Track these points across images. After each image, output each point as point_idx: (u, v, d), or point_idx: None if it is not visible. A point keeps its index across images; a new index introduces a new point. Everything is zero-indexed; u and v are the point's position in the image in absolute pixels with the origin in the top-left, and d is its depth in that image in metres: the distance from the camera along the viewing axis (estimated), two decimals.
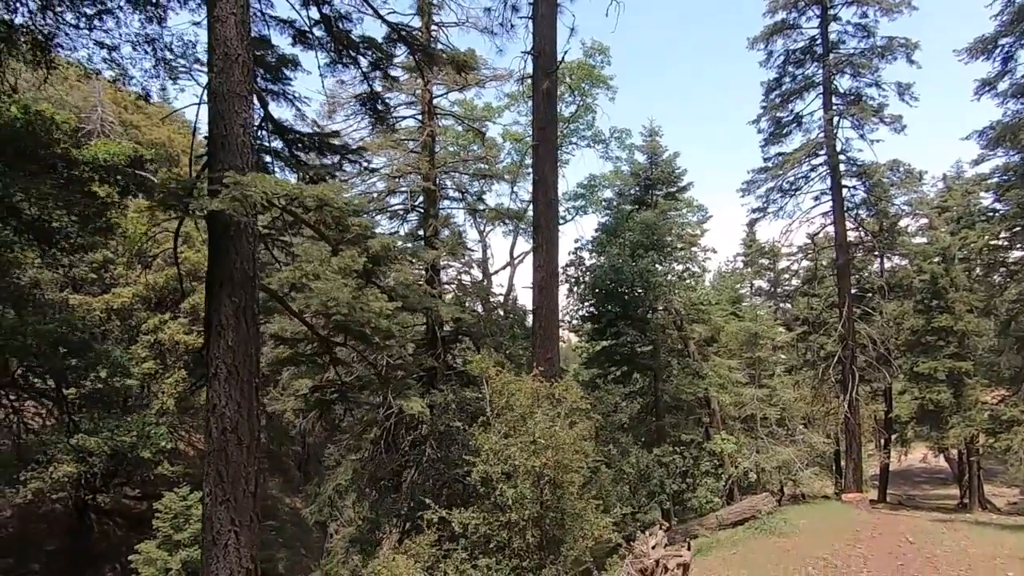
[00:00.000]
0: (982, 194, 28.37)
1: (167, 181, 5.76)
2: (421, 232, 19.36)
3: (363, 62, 10.90)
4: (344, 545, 13.95)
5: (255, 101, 8.95)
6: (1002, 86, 18.36)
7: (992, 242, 24.63)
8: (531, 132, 13.41)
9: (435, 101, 19.98)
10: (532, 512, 6.77)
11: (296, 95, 9.21)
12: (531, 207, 13.49)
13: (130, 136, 29.45)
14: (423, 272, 18.76)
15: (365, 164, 10.01)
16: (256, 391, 6.21)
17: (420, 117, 19.63)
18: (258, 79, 9.42)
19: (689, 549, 9.53)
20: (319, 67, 9.87)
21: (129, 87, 9.04)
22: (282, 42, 13.40)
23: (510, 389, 7.51)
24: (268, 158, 9.41)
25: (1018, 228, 19.26)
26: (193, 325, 23.36)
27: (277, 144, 9.54)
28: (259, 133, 9.04)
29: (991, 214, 24.11)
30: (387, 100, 11.69)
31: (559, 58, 12.26)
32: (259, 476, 6.04)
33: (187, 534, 18.86)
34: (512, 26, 15.16)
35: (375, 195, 19.96)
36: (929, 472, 38.57)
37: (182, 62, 8.61)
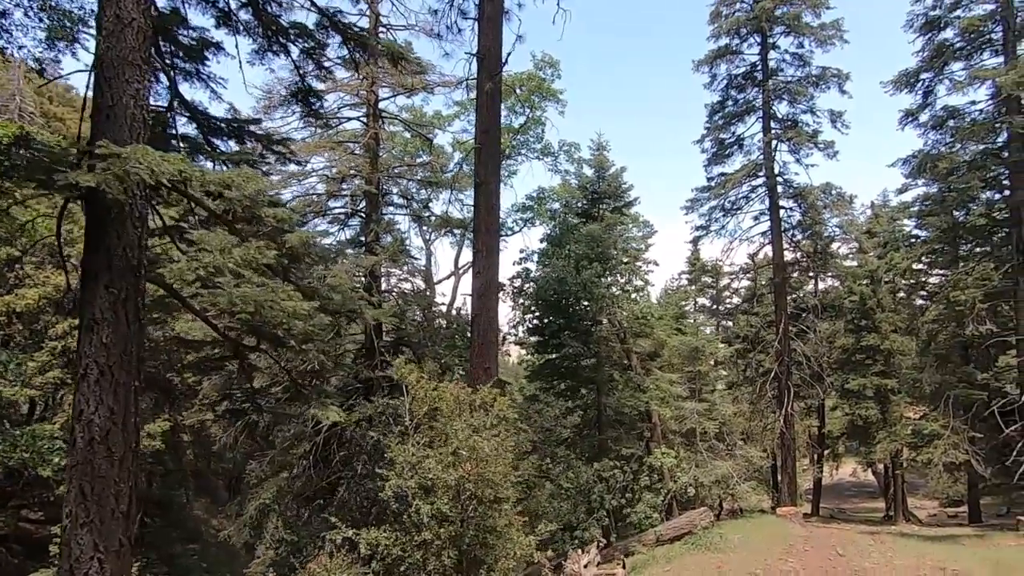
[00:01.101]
0: (905, 221, 30.17)
1: (37, 157, 5.00)
2: (363, 239, 18.65)
3: (294, 51, 10.25)
4: (262, 569, 12.88)
5: (163, 79, 8.25)
6: (923, 117, 19.52)
7: (915, 266, 26.13)
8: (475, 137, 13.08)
9: (382, 105, 19.44)
10: (450, 531, 6.25)
11: (213, 75, 8.50)
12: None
13: (52, 128, 27.34)
14: (362, 278, 18.04)
15: (290, 156, 9.33)
16: (135, 396, 5.45)
17: (365, 120, 19.03)
18: (175, 60, 8.70)
19: (624, 567, 9.20)
20: (238, 56, 9.20)
21: (18, 56, 8.09)
22: (206, 23, 12.57)
23: (433, 397, 7.01)
24: (181, 145, 8.65)
25: (936, 252, 20.38)
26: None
27: (190, 130, 8.81)
28: (169, 118, 8.30)
29: (913, 240, 25.55)
30: (321, 93, 11.05)
31: (504, 60, 12.02)
32: (134, 494, 5.27)
33: None
34: (459, 29, 14.90)
35: (314, 198, 19.13)
36: (858, 486, 40.16)
37: (84, 31, 7.76)
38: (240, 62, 8.69)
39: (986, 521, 25.16)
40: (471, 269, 12.08)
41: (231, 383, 11.37)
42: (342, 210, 19.74)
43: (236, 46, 9.17)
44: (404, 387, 7.36)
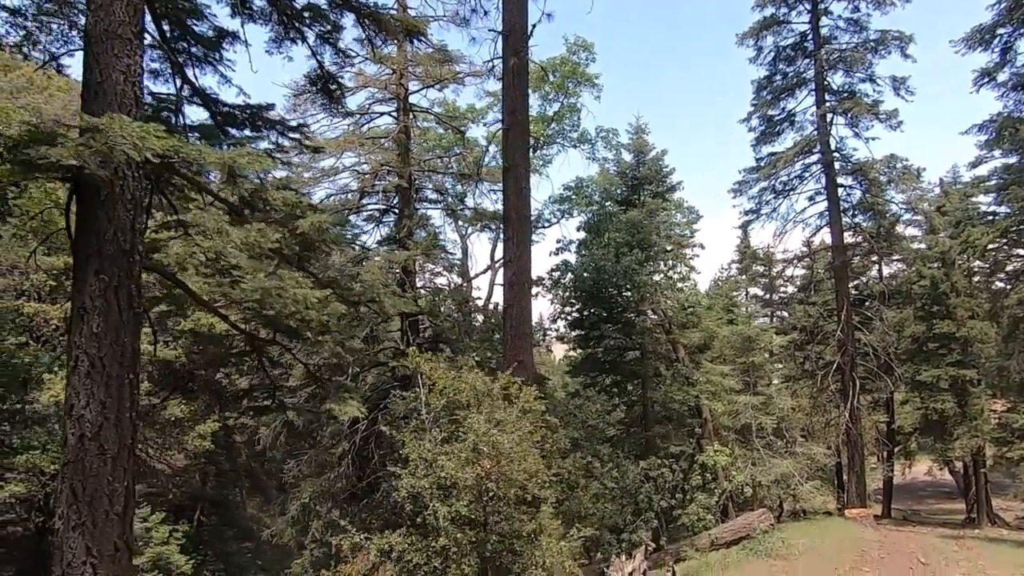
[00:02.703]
0: (981, 197, 27.59)
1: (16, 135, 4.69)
2: (397, 235, 18.36)
3: (310, 36, 9.92)
4: (300, 571, 12.67)
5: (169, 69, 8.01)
6: (1002, 77, 17.58)
7: (992, 245, 23.77)
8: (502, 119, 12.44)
9: (412, 99, 19.12)
10: (470, 536, 5.63)
11: (223, 59, 8.19)
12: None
13: None
14: (396, 274, 17.75)
15: (308, 143, 8.94)
16: (131, 389, 5.09)
17: (395, 115, 18.74)
18: (188, 46, 8.46)
19: (673, 574, 8.35)
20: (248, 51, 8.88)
21: (35, 55, 8.01)
22: (221, 12, 12.36)
23: (451, 388, 6.42)
24: (191, 135, 8.41)
25: (1021, 226, 18.31)
26: (158, 336, 22.18)
27: (202, 119, 8.55)
28: (178, 105, 8.05)
29: (991, 217, 23.23)
30: (342, 81, 10.68)
31: (528, 33, 11.34)
32: (132, 494, 4.90)
33: (146, 558, 17.57)
34: (485, 12, 14.36)
35: (348, 196, 19.01)
36: (934, 486, 37.24)
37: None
38: (248, 51, 8.38)
39: None
40: (502, 258, 11.46)
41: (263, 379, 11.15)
42: (376, 207, 19.54)
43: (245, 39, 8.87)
44: (420, 378, 6.81)
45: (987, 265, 29.44)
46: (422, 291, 18.60)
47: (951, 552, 12.63)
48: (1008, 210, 20.52)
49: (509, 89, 11.59)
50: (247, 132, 8.81)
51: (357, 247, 19.23)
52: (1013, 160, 19.39)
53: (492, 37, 12.16)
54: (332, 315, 6.87)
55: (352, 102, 19.46)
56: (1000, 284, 27.63)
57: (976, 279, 27.20)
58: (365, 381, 15.72)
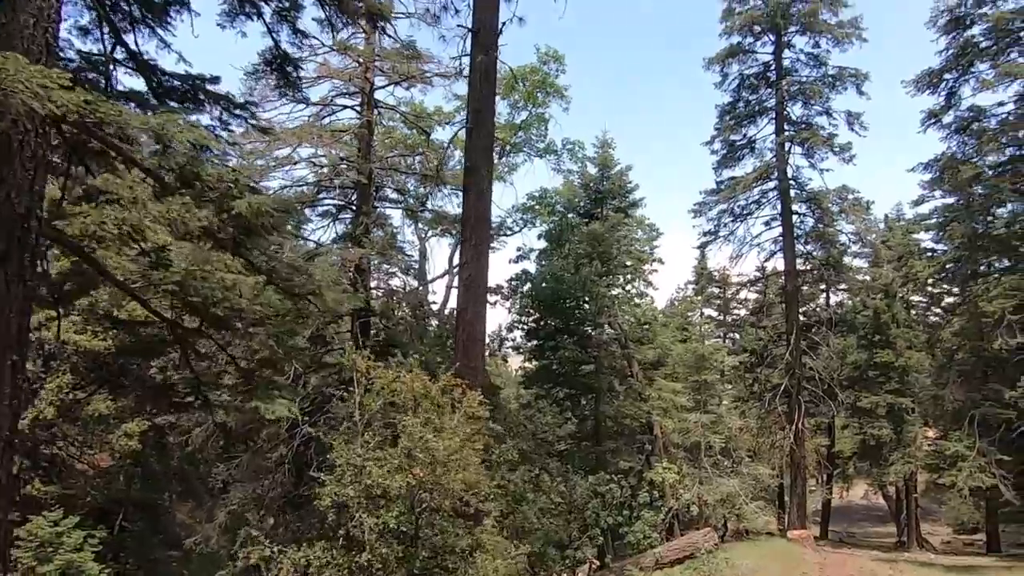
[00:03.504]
0: (922, 235, 29.07)
1: None
2: (354, 232, 17.70)
3: (266, 11, 9.38)
4: None
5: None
6: (947, 119, 18.49)
7: (929, 281, 24.99)
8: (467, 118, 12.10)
9: (379, 96, 18.62)
10: (397, 551, 5.17)
11: (169, 25, 7.56)
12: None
13: None
14: (349, 273, 17.08)
15: (255, 123, 8.34)
16: (14, 373, 4.43)
17: (359, 108, 18.17)
18: (130, 9, 7.79)
19: None
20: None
21: None
22: None
23: (390, 389, 5.96)
24: (130, 105, 7.71)
25: (958, 261, 19.22)
26: (88, 324, 20.59)
27: (139, 85, 7.87)
28: (110, 69, 7.37)
29: (930, 254, 24.41)
30: (299, 62, 10.13)
31: (499, 31, 11.09)
32: (8, 499, 4.22)
33: (54, 566, 16.06)
34: (456, 10, 14.07)
35: (304, 189, 18.26)
36: (868, 509, 38.57)
37: None
38: (191, 22, 7.77)
39: (1006, 551, 23.72)
40: (458, 259, 11.06)
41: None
42: (333, 202, 18.84)
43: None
44: (355, 378, 6.31)
45: (925, 299, 31.03)
46: (376, 292, 17.98)
47: (886, 575, 12.84)
48: (946, 248, 21.61)
49: (475, 88, 11.28)
50: (189, 107, 8.21)
51: (312, 242, 18.51)
52: (952, 200, 20.44)
53: (462, 34, 11.85)
54: (266, 305, 6.31)
55: (315, 94, 18.83)
56: (935, 318, 29.13)
57: (914, 312, 28.55)
58: (308, 383, 14.94)
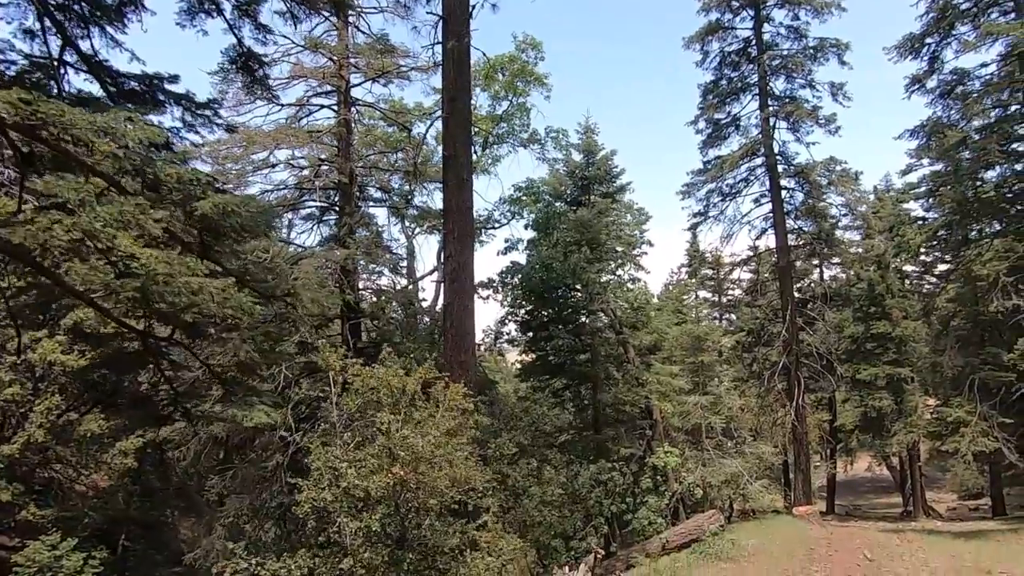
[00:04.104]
0: (911, 204, 28.99)
1: None
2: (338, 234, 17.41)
3: (227, 7, 9.08)
4: None
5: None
6: (931, 83, 18.32)
7: (922, 248, 24.90)
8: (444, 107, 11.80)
9: (355, 93, 18.29)
10: (383, 555, 4.94)
11: (123, 25, 7.24)
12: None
13: None
14: (335, 275, 16.82)
15: (219, 122, 8.04)
16: None
17: (336, 108, 17.85)
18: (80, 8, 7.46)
19: None
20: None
21: None
22: None
23: (368, 387, 5.72)
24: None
25: (950, 226, 19.08)
26: (75, 343, 20.21)
27: (95, 89, 7.56)
28: (59, 72, 7.06)
29: (921, 222, 24.32)
30: (264, 60, 9.82)
31: (470, 13, 10.80)
32: None
33: None
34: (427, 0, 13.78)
35: (286, 193, 17.94)
36: (873, 481, 38.70)
37: None
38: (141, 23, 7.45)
39: (1011, 514, 23.75)
40: (442, 252, 10.80)
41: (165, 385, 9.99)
42: (316, 204, 18.54)
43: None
44: (331, 377, 6.05)
45: (918, 268, 31.00)
46: (364, 293, 17.71)
47: (894, 546, 12.74)
48: (936, 215, 21.50)
49: (449, 76, 11.01)
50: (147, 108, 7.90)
51: (297, 246, 18.21)
52: (940, 167, 20.30)
53: (433, 23, 11.56)
54: (237, 308, 6.05)
55: (291, 95, 18.48)
56: (928, 287, 29.11)
57: (908, 282, 28.48)
58: (300, 389, 14.68)
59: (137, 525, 23.64)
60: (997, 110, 17.73)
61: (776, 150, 22.04)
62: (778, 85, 22.35)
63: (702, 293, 35.18)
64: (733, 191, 23.22)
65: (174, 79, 7.59)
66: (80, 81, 7.41)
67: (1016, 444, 16.62)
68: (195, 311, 5.96)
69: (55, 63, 6.72)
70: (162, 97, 7.62)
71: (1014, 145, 17.63)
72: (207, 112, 7.91)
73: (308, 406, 14.43)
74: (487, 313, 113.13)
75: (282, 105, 16.79)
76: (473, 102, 24.05)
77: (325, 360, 5.95)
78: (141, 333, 6.37)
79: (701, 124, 22.99)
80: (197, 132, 8.36)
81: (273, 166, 16.64)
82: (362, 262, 17.73)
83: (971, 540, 13.81)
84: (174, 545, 26.72)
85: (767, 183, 22.29)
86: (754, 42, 22.25)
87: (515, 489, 10.45)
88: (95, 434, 17.58)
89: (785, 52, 21.87)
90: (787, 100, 21.80)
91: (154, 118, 7.73)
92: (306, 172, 17.90)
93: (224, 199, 6.20)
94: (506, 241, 19.82)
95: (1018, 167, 18.41)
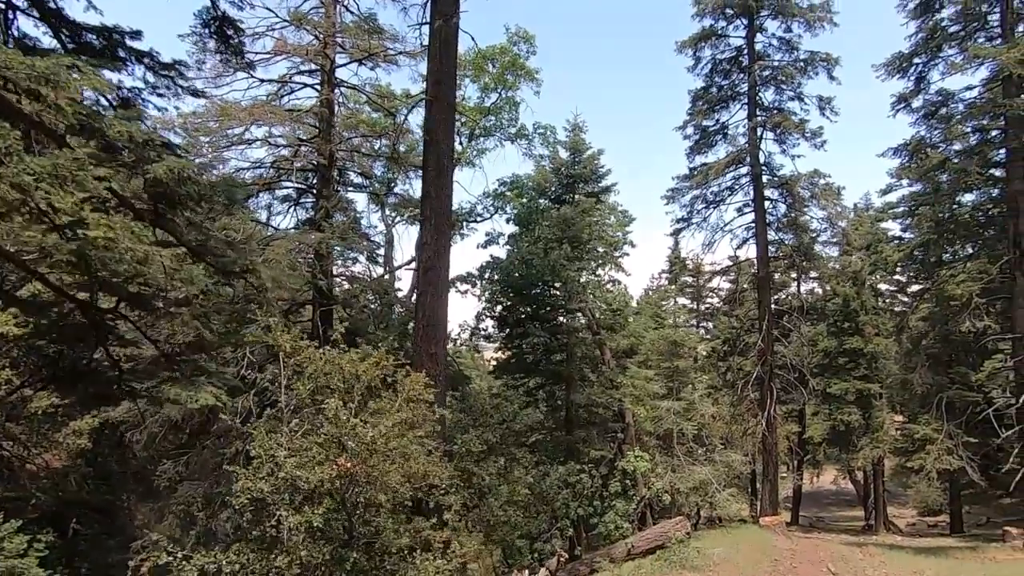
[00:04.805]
0: (890, 223, 29.49)
1: None
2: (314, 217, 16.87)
3: None
4: None
5: None
6: (916, 103, 18.47)
7: (897, 268, 25.27)
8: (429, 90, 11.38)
9: (343, 75, 17.83)
10: (325, 552, 4.58)
11: None
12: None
13: None
14: (309, 259, 16.30)
15: (184, 85, 7.55)
16: None
17: (319, 87, 17.30)
18: None
19: None
20: None
21: None
22: None
23: (321, 372, 5.35)
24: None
25: (927, 246, 19.30)
26: (31, 316, 19.27)
27: (50, 43, 7.02)
28: (8, 17, 6.53)
29: (898, 241, 24.67)
30: (240, 25, 9.34)
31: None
32: None
33: None
34: None
35: (262, 172, 17.33)
36: (837, 494, 39.29)
37: None
38: None
39: (968, 531, 24.22)
40: (417, 240, 10.44)
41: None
42: (293, 186, 17.96)
43: None
44: (281, 359, 5.66)
45: (893, 287, 31.53)
46: (338, 280, 17.22)
47: (857, 560, 12.75)
48: (914, 236, 21.79)
49: (435, 58, 10.64)
50: (106, 67, 7.38)
51: (272, 228, 17.62)
52: (919, 188, 20.56)
53: (422, 2, 11.16)
54: (187, 282, 5.63)
55: (273, 72, 17.88)
56: (901, 307, 29.61)
57: (882, 300, 28.93)
58: (264, 373, 14.13)
59: (90, 508, 22.71)
60: (977, 134, 17.96)
61: (762, 160, 22.06)
62: (767, 96, 22.40)
63: (681, 300, 35.31)
64: (717, 199, 23.20)
65: (136, 35, 7.09)
66: (35, 31, 6.89)
67: (978, 463, 16.85)
68: (141, 281, 5.52)
69: (3, 5, 6.19)
70: (123, 54, 7.12)
71: (992, 170, 17.90)
72: (171, 73, 7.42)
73: (272, 392, 13.92)
74: (466, 309, 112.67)
75: (262, 80, 16.20)
76: (462, 93, 23.76)
77: (275, 340, 5.54)
78: (81, 303, 5.90)
79: (689, 130, 22.92)
80: (162, 95, 7.87)
81: (250, 143, 16.05)
82: (337, 248, 17.22)
83: (931, 556, 13.93)
84: (129, 530, 25.76)
85: (751, 193, 22.30)
86: (746, 51, 22.24)
87: (480, 487, 10.13)
88: (47, 412, 16.80)
89: (776, 63, 21.90)
90: (775, 111, 21.83)
91: (115, 76, 7.26)
92: (284, 152, 17.34)
93: (180, 163, 5.76)
94: (487, 235, 19.48)
95: (994, 192, 18.71)
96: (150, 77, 7.45)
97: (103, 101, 6.99)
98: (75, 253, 4.78)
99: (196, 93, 7.75)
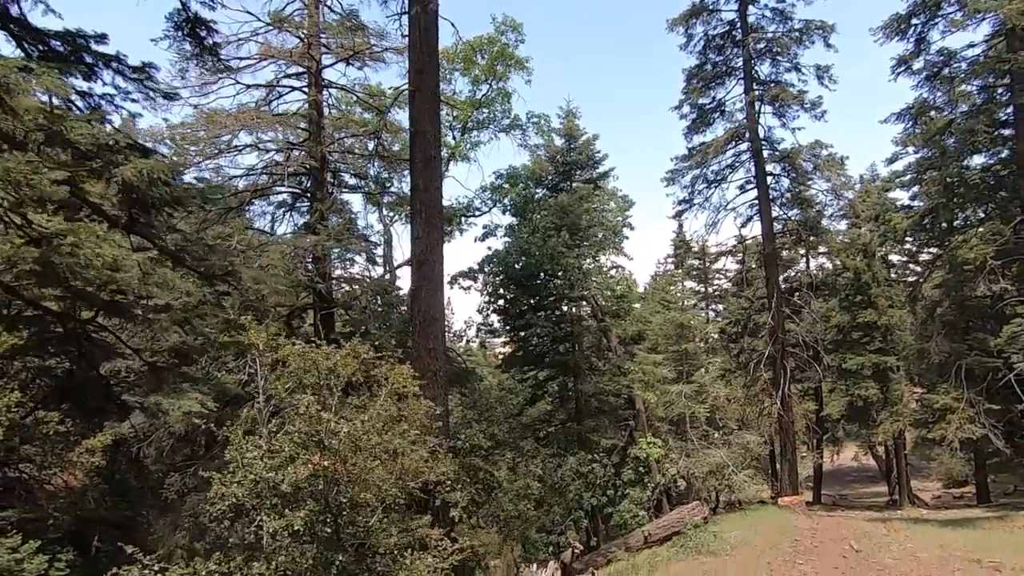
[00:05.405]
0: (897, 192, 28.87)
1: None
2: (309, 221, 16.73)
3: None
4: None
5: None
6: (917, 65, 17.94)
7: (907, 237, 24.72)
8: (415, 83, 11.13)
9: (331, 76, 17.63)
10: (307, 557, 4.39)
11: None
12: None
13: None
14: (308, 263, 16.19)
15: (154, 88, 7.36)
16: None
17: (305, 89, 17.13)
18: None
19: None
20: None
21: None
22: None
23: (301, 369, 5.14)
24: None
25: (937, 211, 18.79)
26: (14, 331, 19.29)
27: (13, 51, 6.86)
28: None
29: (907, 210, 24.12)
30: (213, 26, 9.13)
31: None
32: None
33: None
34: None
35: (255, 178, 17.20)
36: (859, 471, 38.78)
37: None
38: None
39: (995, 501, 23.72)
40: (409, 235, 10.23)
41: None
42: (287, 191, 17.82)
43: None
44: (258, 358, 5.45)
45: (904, 257, 30.90)
46: (336, 282, 17.06)
47: (880, 536, 12.41)
48: (922, 203, 21.26)
49: (416, 46, 10.39)
50: (78, 76, 7.20)
51: (265, 233, 17.50)
52: (924, 154, 20.04)
53: None
54: (163, 286, 5.45)
55: (261, 78, 17.74)
56: (913, 276, 29.02)
57: (894, 271, 28.35)
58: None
59: (110, 525, 22.79)
60: (983, 93, 17.42)
61: (762, 135, 21.62)
62: (763, 69, 21.93)
63: (688, 283, 34.85)
64: (718, 177, 22.80)
65: (101, 38, 6.91)
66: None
67: (1002, 430, 16.40)
68: (115, 288, 5.34)
69: None
70: (90, 59, 6.93)
71: (999, 130, 17.36)
72: (140, 76, 7.23)
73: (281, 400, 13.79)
74: (472, 306, 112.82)
75: (248, 86, 16.06)
76: (453, 87, 23.49)
77: (249, 338, 5.36)
78: (58, 315, 5.74)
79: (685, 109, 22.52)
80: (135, 100, 7.69)
81: (240, 150, 15.91)
82: (335, 250, 17.08)
83: (958, 529, 13.54)
84: (150, 546, 25.89)
85: (752, 169, 21.88)
86: (739, 25, 21.77)
87: (487, 483, 9.93)
88: (59, 432, 16.85)
89: (770, 35, 21.41)
90: (772, 84, 21.37)
91: (84, 84, 7.10)
92: (277, 157, 17.20)
93: (148, 164, 5.57)
94: (484, 227, 19.23)
95: (1004, 153, 18.16)
96: (120, 82, 7.28)
97: (76, 111, 6.85)
98: (39, 261, 4.60)
99: (169, 96, 7.56)
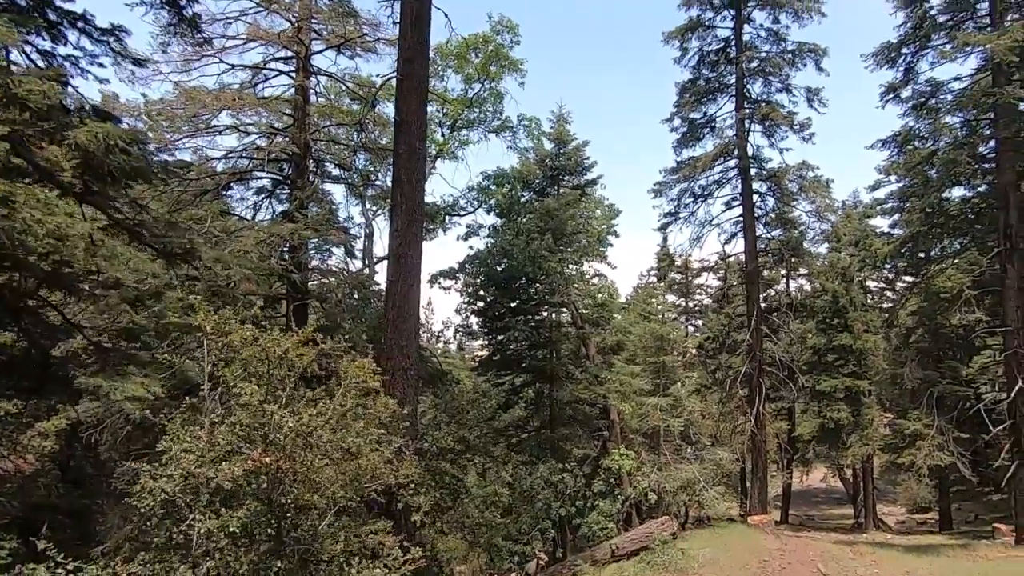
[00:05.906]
0: (878, 219, 29.35)
1: None
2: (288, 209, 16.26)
3: None
4: None
5: None
6: (905, 93, 18.16)
7: (887, 265, 25.06)
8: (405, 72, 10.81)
9: (322, 64, 17.24)
10: (242, 561, 4.04)
11: None
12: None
13: None
14: (283, 252, 15.69)
15: (122, 53, 6.94)
16: None
17: (294, 74, 16.70)
18: None
19: None
20: None
21: None
22: None
23: (254, 357, 4.78)
24: None
25: (917, 238, 19.01)
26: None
27: None
28: None
29: (887, 237, 24.45)
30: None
31: None
32: None
33: None
34: None
35: (234, 162, 16.68)
36: (827, 492, 39.12)
37: None
38: None
39: (957, 528, 24.02)
40: (388, 228, 9.90)
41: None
42: (268, 177, 17.33)
43: None
44: (205, 343, 5.07)
45: (881, 283, 31.37)
46: (312, 273, 16.59)
47: (847, 559, 12.36)
48: (902, 231, 21.55)
49: (406, 35, 10.11)
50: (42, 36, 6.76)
51: (239, 217, 16.97)
52: (906, 183, 20.30)
53: None
54: (110, 258, 5.05)
55: (247, 60, 17.23)
56: (889, 303, 29.46)
57: (871, 297, 28.75)
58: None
59: (61, 513, 21.84)
60: (965, 128, 17.69)
61: (750, 153, 21.74)
62: (755, 88, 22.08)
63: (670, 297, 34.93)
64: (705, 192, 22.85)
65: None
66: None
67: (969, 459, 16.56)
68: (58, 259, 4.94)
69: None
70: (54, 16, 6.51)
71: (980, 164, 17.63)
72: (109, 39, 6.82)
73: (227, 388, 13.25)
74: (451, 307, 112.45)
75: (232, 66, 15.56)
76: (445, 84, 23.22)
77: (196, 320, 4.96)
78: None
79: (676, 122, 22.56)
80: (102, 65, 7.26)
81: (220, 131, 15.39)
82: (313, 240, 16.63)
83: (923, 555, 13.56)
84: (99, 536, 24.88)
85: (739, 186, 21.96)
86: (733, 42, 21.90)
87: (454, 488, 9.59)
88: (10, 413, 16.06)
89: (764, 54, 21.58)
90: (763, 103, 21.51)
91: (48, 44, 6.67)
92: (258, 141, 16.71)
93: (106, 128, 5.18)
94: (467, 227, 18.93)
95: (983, 188, 18.47)
96: (87, 44, 6.86)
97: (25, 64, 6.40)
98: None
99: (139, 62, 7.15)
